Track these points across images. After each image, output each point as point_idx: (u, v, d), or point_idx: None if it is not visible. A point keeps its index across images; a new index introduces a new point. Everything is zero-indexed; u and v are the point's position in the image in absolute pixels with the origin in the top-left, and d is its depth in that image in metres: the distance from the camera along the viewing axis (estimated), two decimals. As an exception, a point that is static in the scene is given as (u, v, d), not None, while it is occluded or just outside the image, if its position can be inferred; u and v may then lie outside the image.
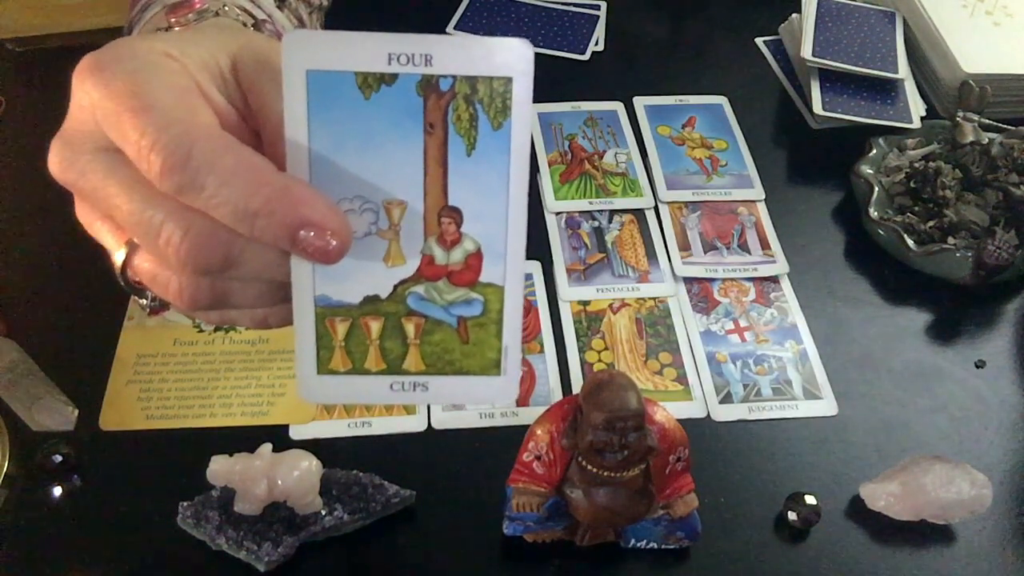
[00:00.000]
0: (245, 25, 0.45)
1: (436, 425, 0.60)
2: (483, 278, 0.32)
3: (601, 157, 0.79)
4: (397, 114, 0.30)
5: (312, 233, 0.29)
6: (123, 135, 0.29)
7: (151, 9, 0.49)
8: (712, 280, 0.70)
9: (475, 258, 0.32)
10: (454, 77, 0.30)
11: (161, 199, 0.30)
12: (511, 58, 0.30)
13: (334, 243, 0.29)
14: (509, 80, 0.30)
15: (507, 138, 0.30)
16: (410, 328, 0.33)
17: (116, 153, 0.30)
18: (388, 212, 0.31)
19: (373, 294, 0.32)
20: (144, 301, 0.37)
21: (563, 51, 0.88)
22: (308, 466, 0.52)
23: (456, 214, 0.31)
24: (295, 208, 0.29)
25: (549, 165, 0.78)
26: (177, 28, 0.42)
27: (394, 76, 0.29)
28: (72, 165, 0.31)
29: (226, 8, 0.44)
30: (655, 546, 0.54)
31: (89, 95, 0.30)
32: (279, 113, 0.30)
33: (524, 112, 0.30)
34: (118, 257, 0.33)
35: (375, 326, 0.33)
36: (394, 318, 0.33)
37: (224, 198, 0.28)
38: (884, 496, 0.56)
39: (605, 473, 0.48)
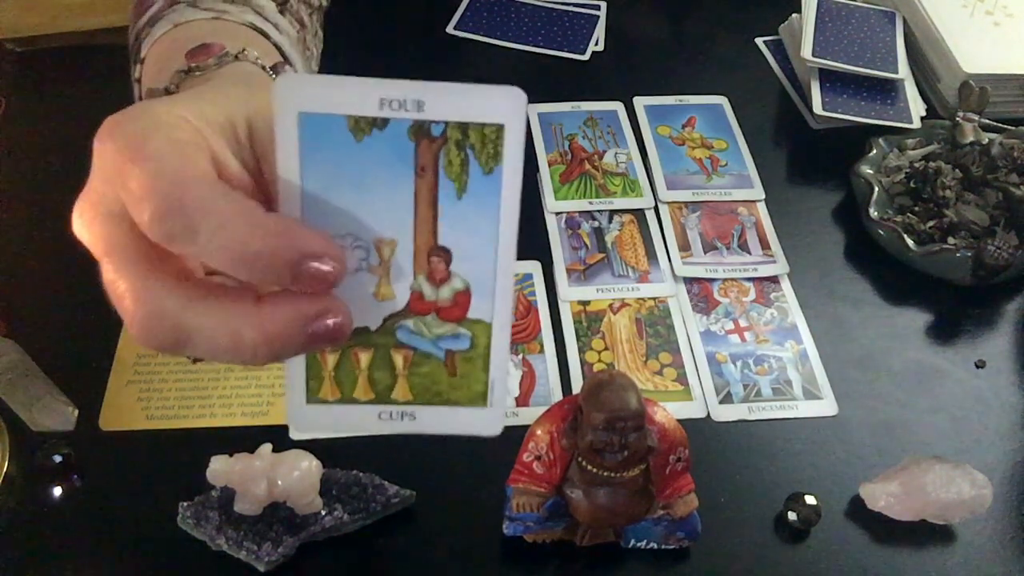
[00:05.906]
0: (264, 69, 0.44)
1: (436, 425, 0.60)
2: (471, 315, 0.32)
3: (601, 157, 0.79)
4: (388, 157, 0.30)
5: (312, 263, 0.29)
6: (123, 185, 0.29)
7: (159, 26, 0.48)
8: (712, 280, 0.70)
9: (463, 296, 0.32)
10: (446, 123, 0.30)
11: (131, 269, 0.30)
12: (503, 105, 0.29)
13: (332, 268, 0.29)
14: (501, 127, 0.30)
15: (498, 182, 0.30)
16: (399, 359, 0.33)
17: (119, 217, 0.30)
18: (379, 249, 0.31)
19: (363, 326, 0.32)
20: None
21: (563, 51, 0.88)
22: (308, 466, 0.52)
23: (445, 254, 0.32)
24: (293, 244, 0.29)
25: (549, 165, 0.78)
26: (197, 73, 0.43)
27: (385, 121, 0.30)
28: (84, 227, 0.31)
29: (245, 52, 0.44)
30: (655, 546, 0.54)
31: (103, 154, 0.30)
32: None
33: (515, 157, 0.30)
34: None
35: (364, 356, 0.33)
36: (383, 349, 0.33)
37: (221, 242, 0.28)
38: (884, 496, 0.56)
39: (605, 473, 0.48)
